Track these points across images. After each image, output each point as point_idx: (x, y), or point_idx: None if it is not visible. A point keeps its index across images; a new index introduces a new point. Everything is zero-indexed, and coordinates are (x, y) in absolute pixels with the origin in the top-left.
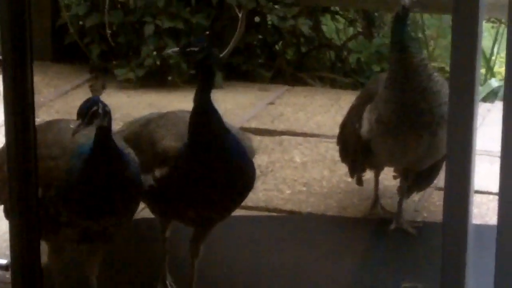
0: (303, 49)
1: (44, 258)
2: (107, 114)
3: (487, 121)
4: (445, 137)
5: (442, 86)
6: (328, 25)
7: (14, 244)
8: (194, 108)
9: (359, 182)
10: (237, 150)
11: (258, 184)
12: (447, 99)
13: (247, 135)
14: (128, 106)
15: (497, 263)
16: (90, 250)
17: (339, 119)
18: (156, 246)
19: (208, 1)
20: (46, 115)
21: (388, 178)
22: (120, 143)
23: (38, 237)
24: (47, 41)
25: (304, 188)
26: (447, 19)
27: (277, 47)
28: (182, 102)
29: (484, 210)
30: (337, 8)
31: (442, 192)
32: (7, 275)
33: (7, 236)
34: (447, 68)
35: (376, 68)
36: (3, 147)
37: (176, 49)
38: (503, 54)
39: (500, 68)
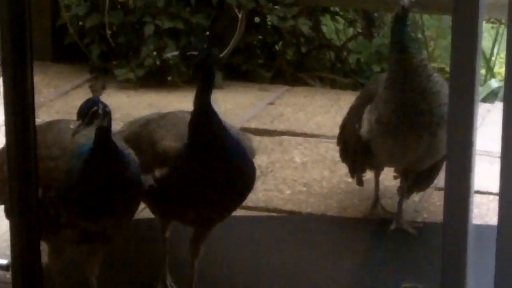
0: (303, 50)
1: (45, 259)
2: (107, 114)
3: (487, 122)
4: (445, 137)
5: (442, 86)
6: (328, 26)
7: (14, 244)
8: (194, 110)
9: (359, 182)
10: (237, 150)
11: (258, 185)
12: (447, 100)
13: (247, 135)
14: (128, 106)
15: (497, 263)
16: (90, 251)
17: (339, 119)
18: (156, 246)
19: (208, 1)
20: (46, 115)
21: (389, 178)
22: (120, 143)
23: (39, 237)
24: (47, 41)
25: (304, 189)
26: (447, 19)
27: (277, 47)
28: (182, 102)
29: (484, 211)
30: (337, 9)
31: (442, 193)
32: (8, 275)
33: (7, 236)
34: (447, 69)
35: (376, 68)
36: (3, 147)
37: (176, 53)
38: (503, 54)
39: (500, 68)
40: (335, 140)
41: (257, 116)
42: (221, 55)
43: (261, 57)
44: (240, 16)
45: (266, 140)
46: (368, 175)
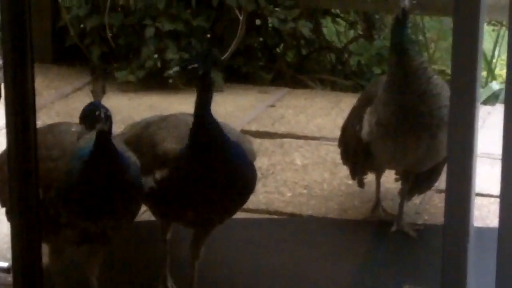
0: (304, 52)
1: (45, 259)
2: (108, 118)
3: (488, 124)
4: (445, 139)
5: (442, 88)
6: (328, 28)
7: (14, 245)
8: (195, 119)
9: (360, 184)
10: (237, 153)
11: (259, 187)
12: (447, 102)
13: (248, 138)
14: (128, 108)
15: (498, 265)
16: (90, 251)
17: (340, 121)
18: (157, 248)
19: (208, 3)
20: (46, 117)
21: (390, 180)
22: (121, 146)
23: (39, 238)
24: (47, 43)
25: (305, 191)
26: (448, 21)
27: (277, 49)
28: (182, 104)
29: (485, 213)
30: (338, 11)
31: (443, 195)
32: (9, 277)
33: (8, 239)
34: (448, 71)
35: (377, 70)
36: (5, 149)
37: (177, 68)
38: (504, 56)
39: (501, 70)
40: (335, 142)
41: (258, 118)
42: (222, 57)
43: (261, 59)
44: (240, 18)
45: (266, 142)
46: (370, 177)
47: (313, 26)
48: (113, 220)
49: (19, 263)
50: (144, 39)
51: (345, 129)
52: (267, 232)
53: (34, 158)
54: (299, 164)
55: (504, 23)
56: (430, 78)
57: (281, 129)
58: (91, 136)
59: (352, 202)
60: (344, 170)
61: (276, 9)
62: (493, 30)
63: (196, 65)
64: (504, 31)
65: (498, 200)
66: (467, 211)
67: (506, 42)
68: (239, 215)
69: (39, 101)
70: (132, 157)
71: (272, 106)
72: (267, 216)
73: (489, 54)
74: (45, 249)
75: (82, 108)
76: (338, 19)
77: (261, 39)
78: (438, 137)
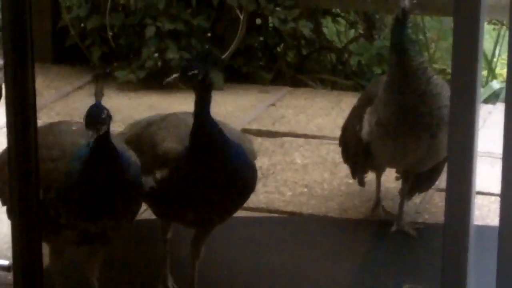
0: (304, 51)
1: (46, 259)
2: (110, 118)
3: (489, 123)
4: (445, 139)
5: (442, 88)
6: (329, 28)
7: (15, 244)
8: (194, 123)
9: (361, 183)
10: (237, 153)
11: (259, 186)
12: (447, 102)
13: (248, 138)
14: (129, 108)
15: (498, 265)
16: (90, 252)
17: (340, 121)
18: (157, 247)
19: (209, 2)
20: (47, 117)
21: (390, 180)
22: (121, 145)
23: (39, 238)
24: (47, 43)
25: (305, 190)
26: (448, 21)
27: (278, 49)
28: (183, 104)
29: (485, 212)
30: (338, 11)
31: (443, 194)
32: (10, 276)
33: (8, 237)
34: (449, 70)
35: (377, 70)
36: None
37: (176, 75)
38: (504, 56)
39: (501, 70)
40: (336, 142)
41: (258, 118)
42: (222, 57)
43: (262, 59)
44: (241, 18)
45: (267, 142)
46: (370, 176)
47: (313, 26)
48: (113, 220)
49: (20, 262)
50: (145, 39)
51: (345, 129)
52: (267, 231)
53: (35, 158)
54: (300, 164)
55: (504, 22)
56: (430, 78)
57: (281, 128)
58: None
59: (352, 202)
60: (345, 170)
61: (277, 9)
62: (494, 29)
63: (195, 71)
64: (504, 31)
65: (498, 199)
66: (468, 210)
67: (507, 42)
68: (239, 214)
69: (40, 101)
70: (132, 157)
71: (273, 105)
72: (267, 215)
73: (489, 53)
74: (45, 249)
75: (87, 110)
76: (338, 19)
77: (261, 39)
78: (438, 137)
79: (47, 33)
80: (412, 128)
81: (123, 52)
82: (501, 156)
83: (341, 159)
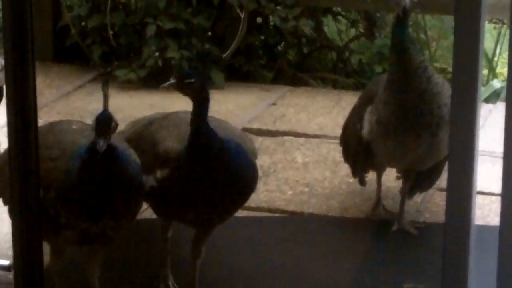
0: (305, 50)
1: (46, 259)
2: (117, 126)
3: (489, 122)
4: (445, 138)
5: (442, 87)
6: (330, 26)
7: (15, 244)
8: (191, 131)
9: (362, 182)
10: (237, 154)
11: (260, 185)
12: (447, 101)
13: (249, 137)
14: (129, 107)
15: (499, 264)
16: (90, 251)
17: (341, 120)
18: (158, 247)
19: (209, 2)
20: (47, 116)
21: (391, 179)
22: (121, 144)
23: (40, 238)
24: (48, 42)
25: (306, 189)
26: (449, 19)
27: (278, 48)
28: (183, 103)
29: (486, 211)
30: (339, 9)
31: (444, 193)
32: (10, 275)
33: (9, 237)
34: (449, 69)
35: (378, 69)
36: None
37: (173, 81)
38: (505, 55)
39: (502, 69)
40: (337, 141)
41: (259, 116)
42: (223, 56)
43: (262, 58)
44: (242, 16)
45: (268, 140)
46: (371, 175)
47: (314, 25)
48: (113, 220)
49: (20, 262)
50: (145, 38)
51: (346, 127)
52: (268, 230)
53: (35, 158)
54: (300, 163)
55: (505, 21)
56: (430, 76)
57: (282, 127)
58: (90, 135)
59: (353, 201)
60: (345, 169)
61: (277, 7)
62: (495, 28)
63: (192, 80)
64: (505, 30)
65: (499, 198)
66: (468, 209)
67: (507, 40)
68: (240, 213)
69: (40, 100)
70: (132, 156)
71: (273, 104)
72: (268, 214)
73: (490, 52)
74: (46, 249)
75: (96, 119)
76: (339, 18)
77: (262, 37)
78: (439, 135)
79: (47, 32)
80: (413, 127)
81: (123, 51)
82: (501, 155)
83: (342, 158)
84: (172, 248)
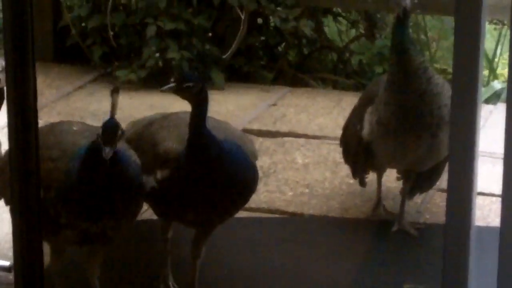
0: (305, 51)
1: (47, 259)
2: (123, 134)
3: (490, 123)
4: (445, 138)
5: (442, 88)
6: (330, 27)
7: (16, 244)
8: (190, 135)
9: (362, 183)
10: (237, 154)
11: (260, 186)
12: (447, 101)
13: (249, 138)
14: (129, 108)
15: (499, 265)
16: (90, 252)
17: (341, 120)
18: (158, 247)
19: (209, 2)
20: (47, 116)
21: (391, 179)
22: (121, 144)
23: (40, 238)
24: (48, 42)
25: (306, 190)
26: (449, 20)
27: (279, 48)
28: (183, 103)
29: (486, 212)
30: (339, 10)
31: (444, 194)
32: (10, 276)
33: (9, 237)
34: (450, 70)
35: (378, 69)
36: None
37: (172, 85)
38: (506, 56)
39: (503, 70)
40: (337, 142)
41: (259, 117)
42: (223, 56)
43: (263, 59)
44: (242, 17)
45: (268, 141)
46: (371, 176)
47: (314, 25)
48: (113, 220)
49: (20, 262)
50: (145, 38)
51: (346, 128)
52: (268, 231)
53: (36, 158)
54: (300, 163)
55: (505, 22)
56: (430, 77)
57: (282, 128)
58: (91, 135)
59: (353, 201)
60: (345, 169)
61: (278, 8)
62: (495, 29)
63: (190, 84)
64: (506, 30)
65: (499, 199)
66: (469, 210)
67: (508, 41)
68: (240, 213)
69: (41, 100)
70: (132, 156)
71: (274, 105)
72: (268, 215)
73: (491, 53)
74: (46, 249)
75: (102, 126)
76: (339, 18)
77: (262, 38)
78: (439, 136)
79: (48, 33)
80: (413, 128)
81: (124, 51)
82: (502, 156)
83: (342, 159)
84: (172, 249)
